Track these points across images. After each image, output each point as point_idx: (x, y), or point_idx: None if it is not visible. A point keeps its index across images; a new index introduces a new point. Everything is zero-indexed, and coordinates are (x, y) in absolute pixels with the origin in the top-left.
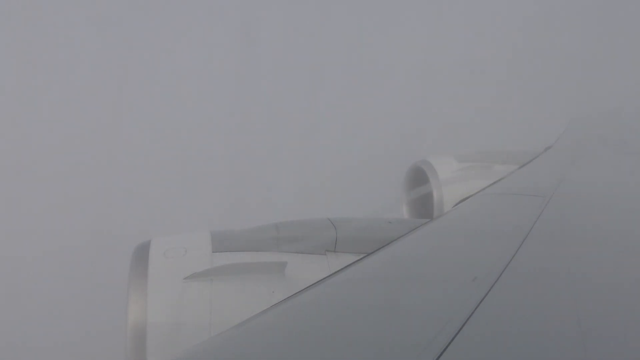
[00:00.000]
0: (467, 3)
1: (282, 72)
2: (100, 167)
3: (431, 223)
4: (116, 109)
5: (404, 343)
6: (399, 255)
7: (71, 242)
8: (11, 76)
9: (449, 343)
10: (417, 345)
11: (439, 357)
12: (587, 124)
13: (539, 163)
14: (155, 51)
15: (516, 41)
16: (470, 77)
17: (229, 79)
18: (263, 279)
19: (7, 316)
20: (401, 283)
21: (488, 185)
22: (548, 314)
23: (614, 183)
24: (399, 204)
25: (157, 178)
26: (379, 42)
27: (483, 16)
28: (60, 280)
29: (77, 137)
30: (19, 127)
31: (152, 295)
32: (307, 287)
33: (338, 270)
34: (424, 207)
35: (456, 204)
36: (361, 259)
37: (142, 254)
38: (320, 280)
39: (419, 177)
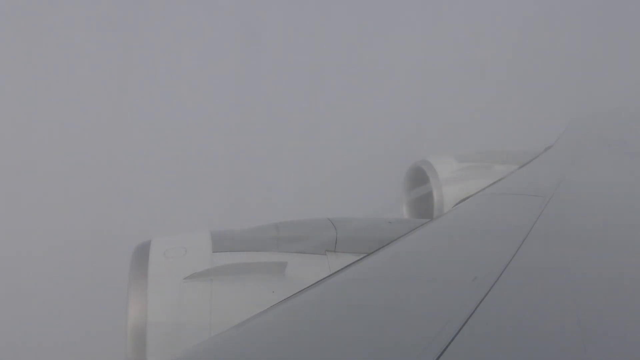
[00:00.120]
0: (467, 3)
1: (282, 72)
2: (100, 167)
3: (431, 223)
4: (116, 109)
5: (404, 343)
6: (399, 255)
7: (71, 242)
8: (11, 76)
9: (449, 343)
10: (417, 345)
11: (439, 357)
12: (587, 124)
13: (539, 163)
14: (156, 51)
15: (516, 41)
16: (470, 77)
17: (229, 79)
18: (263, 279)
19: (7, 316)
20: (401, 283)
21: (488, 185)
22: (548, 314)
23: (614, 183)
24: (399, 204)
25: (157, 178)
26: (379, 42)
27: (483, 16)
28: (60, 280)
29: (77, 136)
30: (19, 126)
31: (152, 295)
32: (307, 287)
33: (338, 270)
34: (424, 207)
35: (456, 204)
36: (361, 259)
37: (142, 254)
38: (320, 280)
39: (419, 177)
